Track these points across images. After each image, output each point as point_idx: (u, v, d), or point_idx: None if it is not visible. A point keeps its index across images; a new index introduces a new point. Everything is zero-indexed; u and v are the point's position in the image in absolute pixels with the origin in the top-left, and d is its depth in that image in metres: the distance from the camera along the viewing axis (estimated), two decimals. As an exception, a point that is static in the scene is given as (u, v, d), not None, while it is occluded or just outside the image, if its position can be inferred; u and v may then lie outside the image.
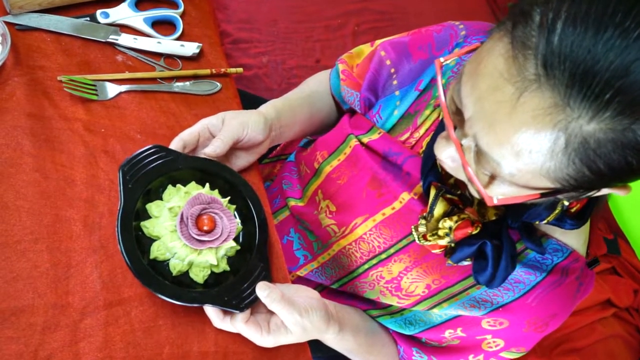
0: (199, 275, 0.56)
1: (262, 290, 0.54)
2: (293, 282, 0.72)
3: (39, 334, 0.50)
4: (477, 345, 0.63)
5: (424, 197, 0.61)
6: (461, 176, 0.48)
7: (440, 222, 0.55)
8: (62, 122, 0.62)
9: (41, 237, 0.54)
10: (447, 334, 0.65)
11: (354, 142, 0.70)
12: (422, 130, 0.65)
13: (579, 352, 1.20)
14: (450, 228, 0.54)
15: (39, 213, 0.55)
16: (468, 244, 0.54)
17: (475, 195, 0.49)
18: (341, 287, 0.72)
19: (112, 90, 0.67)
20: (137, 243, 0.52)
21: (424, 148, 0.64)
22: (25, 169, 0.57)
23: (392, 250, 0.65)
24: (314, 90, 0.80)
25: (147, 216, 0.56)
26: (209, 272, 0.57)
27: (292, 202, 0.78)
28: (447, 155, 0.47)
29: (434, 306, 0.63)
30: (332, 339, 0.61)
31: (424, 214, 0.57)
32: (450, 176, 0.56)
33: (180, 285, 0.54)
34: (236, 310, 0.53)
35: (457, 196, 0.56)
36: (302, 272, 0.77)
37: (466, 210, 0.55)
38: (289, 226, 0.79)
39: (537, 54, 0.35)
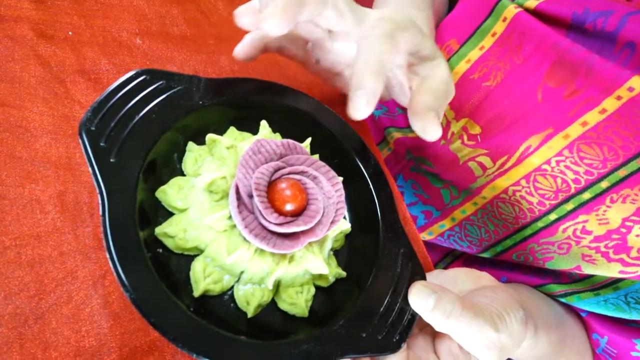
0: (297, 304, 0.28)
1: (423, 299, 0.27)
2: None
3: None
4: None
5: None
6: None
7: None
8: (-6, 25, 0.34)
9: (-23, 245, 0.28)
10: None
11: (511, 9, 0.42)
12: None
13: None
14: None
15: (-33, 198, 0.29)
16: None
17: None
18: (499, 255, 0.46)
19: (81, -36, 0.38)
20: (159, 272, 0.24)
21: None
22: None
23: (603, 185, 0.37)
24: None
25: (163, 213, 0.27)
26: (314, 291, 0.29)
27: (396, 134, 0.51)
28: None
29: None
30: (523, 348, 0.36)
31: None
32: None
33: (267, 330, 0.26)
34: (385, 352, 0.26)
35: None
36: (423, 237, 0.50)
37: None
38: (394, 172, 0.52)
39: None
